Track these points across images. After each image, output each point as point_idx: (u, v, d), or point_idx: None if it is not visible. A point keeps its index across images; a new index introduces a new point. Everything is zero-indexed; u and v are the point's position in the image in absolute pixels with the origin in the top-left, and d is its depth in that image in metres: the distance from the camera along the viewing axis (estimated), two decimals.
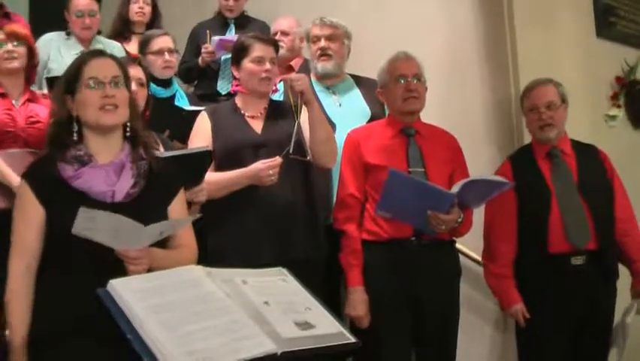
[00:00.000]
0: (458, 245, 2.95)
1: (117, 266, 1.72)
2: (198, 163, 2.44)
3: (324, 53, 3.33)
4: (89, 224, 1.62)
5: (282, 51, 3.28)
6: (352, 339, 1.79)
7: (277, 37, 3.63)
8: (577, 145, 2.95)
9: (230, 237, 2.62)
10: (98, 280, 1.63)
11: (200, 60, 3.95)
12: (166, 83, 3.43)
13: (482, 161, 3.30)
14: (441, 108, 3.20)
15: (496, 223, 2.87)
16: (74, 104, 1.88)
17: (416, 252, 2.68)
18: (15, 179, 2.18)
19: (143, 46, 3.46)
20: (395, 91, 2.83)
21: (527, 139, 3.17)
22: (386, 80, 2.89)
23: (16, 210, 1.88)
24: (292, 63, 3.83)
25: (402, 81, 2.81)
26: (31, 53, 3.01)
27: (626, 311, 2.86)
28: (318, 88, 3.28)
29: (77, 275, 1.76)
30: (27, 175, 1.88)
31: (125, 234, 1.67)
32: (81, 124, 1.88)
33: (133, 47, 3.74)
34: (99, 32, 3.77)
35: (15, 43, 2.91)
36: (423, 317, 2.69)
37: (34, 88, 3.17)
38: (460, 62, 3.62)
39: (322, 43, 3.32)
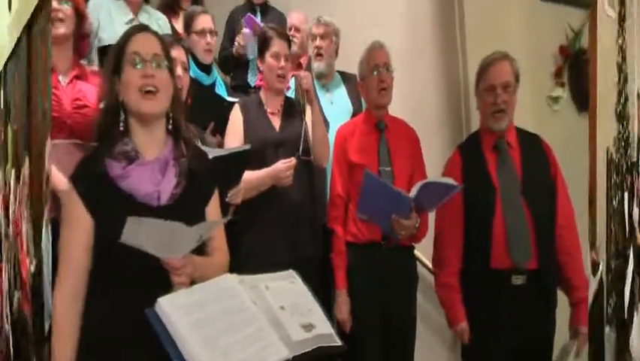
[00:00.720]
0: (417, 253, 2.98)
1: (162, 278, 1.70)
2: (238, 163, 2.41)
3: (318, 53, 3.46)
4: (137, 232, 1.60)
5: (294, 47, 3.30)
6: (339, 342, 1.84)
7: (291, 33, 3.66)
8: (522, 135, 2.76)
9: (253, 238, 2.67)
10: (145, 295, 1.61)
11: (234, 50, 3.91)
12: (207, 69, 3.35)
13: (435, 147, 3.28)
14: (398, 95, 3.10)
15: (444, 226, 2.74)
16: (121, 87, 1.80)
17: (384, 256, 2.75)
18: (60, 180, 1.96)
19: (188, 24, 3.38)
20: (371, 83, 2.88)
21: (475, 122, 3.05)
22: (364, 71, 2.93)
23: (64, 222, 1.79)
24: (301, 60, 3.86)
25: (375, 73, 2.86)
26: (81, 18, 2.53)
27: (564, 352, 2.62)
28: (317, 86, 3.37)
29: (125, 289, 1.71)
30: (74, 178, 1.79)
31: (171, 239, 1.65)
32: (127, 112, 1.81)
33: (180, 24, 3.62)
34: (147, 1, 3.58)
35: (63, 3, 2.43)
36: (389, 319, 2.75)
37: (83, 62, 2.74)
38: (414, 44, 3.62)
39: (317, 41, 3.47)
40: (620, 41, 3.00)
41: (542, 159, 2.70)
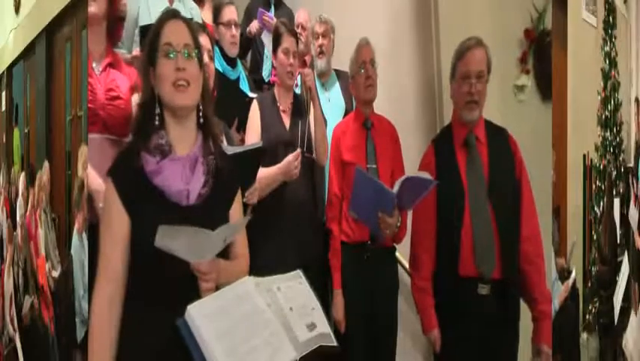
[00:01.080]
0: (398, 255, 3.02)
1: (191, 285, 1.72)
2: (253, 161, 2.38)
3: (320, 51, 3.55)
4: (168, 239, 1.62)
5: (300, 46, 3.35)
6: (334, 343, 1.90)
7: (298, 31, 3.68)
8: (490, 129, 2.66)
9: (265, 239, 2.68)
10: (176, 304, 1.63)
11: (247, 31, 3.92)
12: (233, 63, 3.35)
13: (415, 143, 3.31)
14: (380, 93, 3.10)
15: (419, 227, 2.67)
16: (155, 80, 1.79)
17: (370, 256, 2.80)
18: (95, 181, 1.89)
19: (216, 14, 3.39)
20: (358, 79, 2.92)
21: (447, 116, 3.03)
22: (353, 69, 2.97)
23: (103, 222, 1.77)
24: (305, 58, 3.92)
25: (362, 70, 2.91)
26: None
27: None
28: (317, 85, 3.44)
29: (157, 297, 1.71)
30: (113, 173, 1.77)
31: (198, 242, 1.66)
32: (162, 106, 1.80)
33: (207, 14, 3.61)
34: None
35: None
36: (374, 318, 2.81)
37: (122, 51, 2.63)
38: (395, 43, 3.70)
39: (320, 40, 3.55)
40: (607, 48, 3.11)
41: (508, 157, 2.62)
